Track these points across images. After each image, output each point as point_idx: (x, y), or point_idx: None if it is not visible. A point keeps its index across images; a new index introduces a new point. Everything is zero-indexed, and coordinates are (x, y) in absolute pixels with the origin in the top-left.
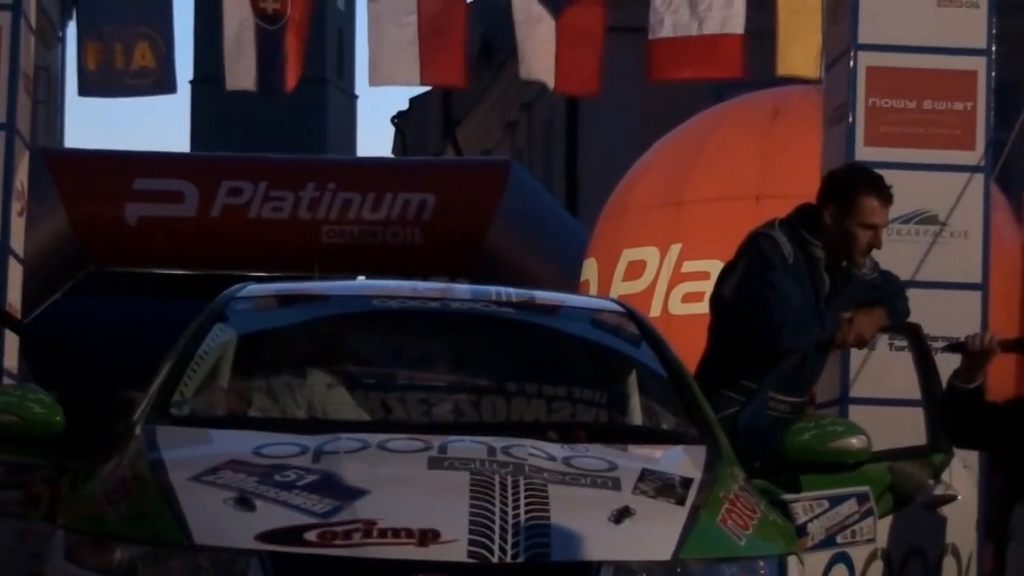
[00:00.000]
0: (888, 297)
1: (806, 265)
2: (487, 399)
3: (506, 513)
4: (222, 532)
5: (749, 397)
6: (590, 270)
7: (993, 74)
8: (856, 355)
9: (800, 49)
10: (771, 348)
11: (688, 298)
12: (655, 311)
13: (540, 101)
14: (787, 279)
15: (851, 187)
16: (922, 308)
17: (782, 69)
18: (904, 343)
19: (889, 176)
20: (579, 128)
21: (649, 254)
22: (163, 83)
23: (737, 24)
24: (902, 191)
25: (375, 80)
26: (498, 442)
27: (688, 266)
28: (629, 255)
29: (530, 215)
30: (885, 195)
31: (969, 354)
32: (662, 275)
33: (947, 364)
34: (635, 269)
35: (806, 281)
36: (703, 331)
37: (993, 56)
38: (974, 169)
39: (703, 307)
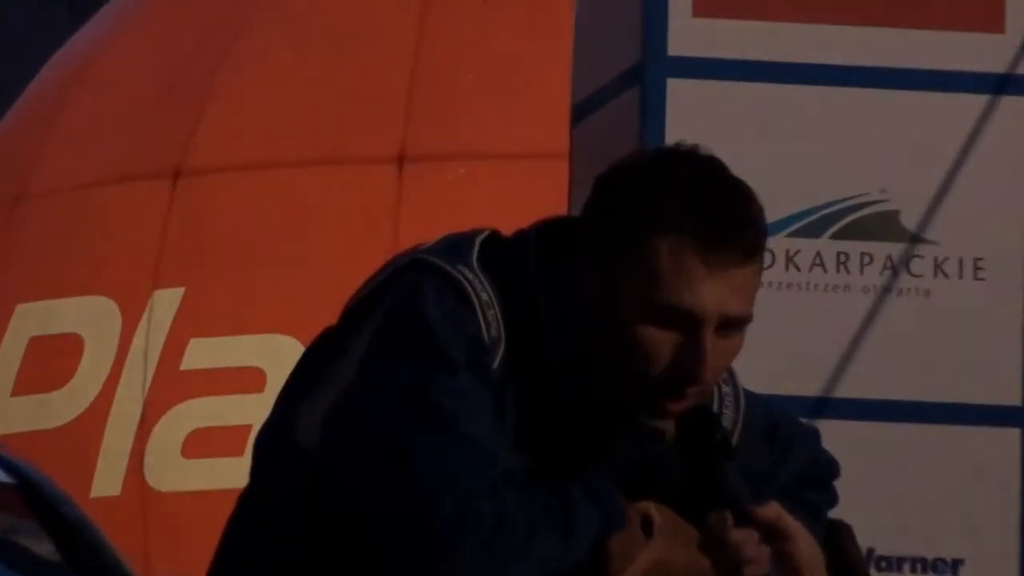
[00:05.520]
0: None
1: (537, 376)
2: None
3: None
4: None
5: None
6: None
7: None
8: None
9: None
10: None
11: (197, 442)
12: (108, 485)
13: None
14: (483, 400)
15: (646, 208)
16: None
17: None
18: None
19: (752, 112)
20: None
21: (92, 314)
22: None
23: None
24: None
25: None
26: None
27: (198, 349)
28: (31, 316)
29: None
30: (732, 237)
31: None
32: (130, 376)
33: None
34: (53, 355)
35: (531, 415)
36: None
37: None
38: (997, 86)
39: (240, 466)
